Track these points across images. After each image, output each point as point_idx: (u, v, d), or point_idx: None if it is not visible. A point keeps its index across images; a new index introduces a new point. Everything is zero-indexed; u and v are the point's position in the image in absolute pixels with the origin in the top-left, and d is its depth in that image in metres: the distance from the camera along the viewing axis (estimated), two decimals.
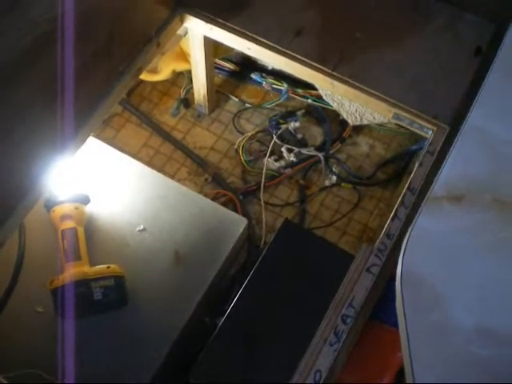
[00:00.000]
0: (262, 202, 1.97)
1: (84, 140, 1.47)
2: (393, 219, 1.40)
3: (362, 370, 1.59)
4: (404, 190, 1.45)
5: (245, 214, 1.88)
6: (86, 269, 1.47)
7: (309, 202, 2.00)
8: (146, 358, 1.45)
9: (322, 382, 1.27)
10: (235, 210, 1.87)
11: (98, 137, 1.82)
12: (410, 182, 1.45)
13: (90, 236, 1.58)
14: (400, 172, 2.02)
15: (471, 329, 0.78)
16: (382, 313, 1.61)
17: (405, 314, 0.76)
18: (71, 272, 1.45)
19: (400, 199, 1.43)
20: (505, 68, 1.04)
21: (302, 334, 1.35)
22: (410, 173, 1.57)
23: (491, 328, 0.79)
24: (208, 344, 1.44)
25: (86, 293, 1.42)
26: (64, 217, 1.54)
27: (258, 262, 1.52)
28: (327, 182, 2.03)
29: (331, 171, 2.04)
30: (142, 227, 1.61)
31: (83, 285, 1.43)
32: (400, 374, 1.61)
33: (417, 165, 1.49)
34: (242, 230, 1.63)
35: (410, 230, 0.85)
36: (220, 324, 1.46)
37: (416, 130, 1.58)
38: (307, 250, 1.54)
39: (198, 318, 1.57)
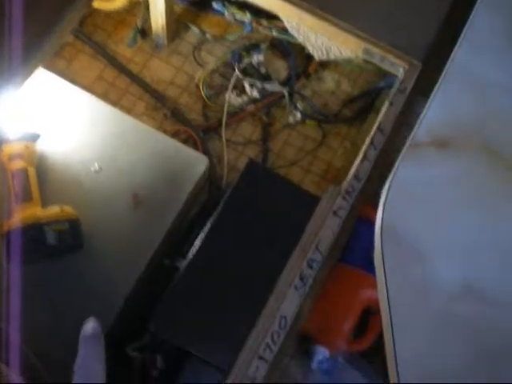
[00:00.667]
0: (224, 140, 1.89)
1: (32, 71, 1.36)
2: (362, 161, 1.35)
3: (325, 312, 1.58)
4: (374, 130, 1.39)
5: (205, 152, 1.80)
6: (38, 211, 1.38)
7: (272, 139, 1.94)
8: (104, 304, 1.39)
9: (287, 328, 1.24)
10: (195, 148, 1.79)
11: (48, 68, 1.69)
12: (380, 122, 1.39)
13: (41, 176, 1.48)
14: (367, 109, 1.96)
15: (455, 285, 0.74)
16: (345, 253, 1.58)
17: (385, 272, 0.71)
18: (22, 215, 1.36)
19: (369, 140, 1.37)
20: (491, 3, 0.97)
21: (266, 280, 1.31)
22: (378, 111, 1.51)
23: (477, 285, 0.75)
24: (168, 290, 1.38)
25: (38, 237, 1.34)
26: (13, 156, 1.44)
27: (220, 205, 1.46)
28: (291, 119, 1.95)
29: (295, 108, 1.96)
30: (97, 166, 1.52)
31: (35, 229, 1.34)
32: (365, 313, 1.60)
33: (386, 103, 1.43)
34: (203, 169, 1.56)
35: (389, 180, 0.80)
36: (182, 269, 1.40)
37: (386, 67, 1.51)
38: (272, 192, 1.48)
39: (158, 261, 1.51)
